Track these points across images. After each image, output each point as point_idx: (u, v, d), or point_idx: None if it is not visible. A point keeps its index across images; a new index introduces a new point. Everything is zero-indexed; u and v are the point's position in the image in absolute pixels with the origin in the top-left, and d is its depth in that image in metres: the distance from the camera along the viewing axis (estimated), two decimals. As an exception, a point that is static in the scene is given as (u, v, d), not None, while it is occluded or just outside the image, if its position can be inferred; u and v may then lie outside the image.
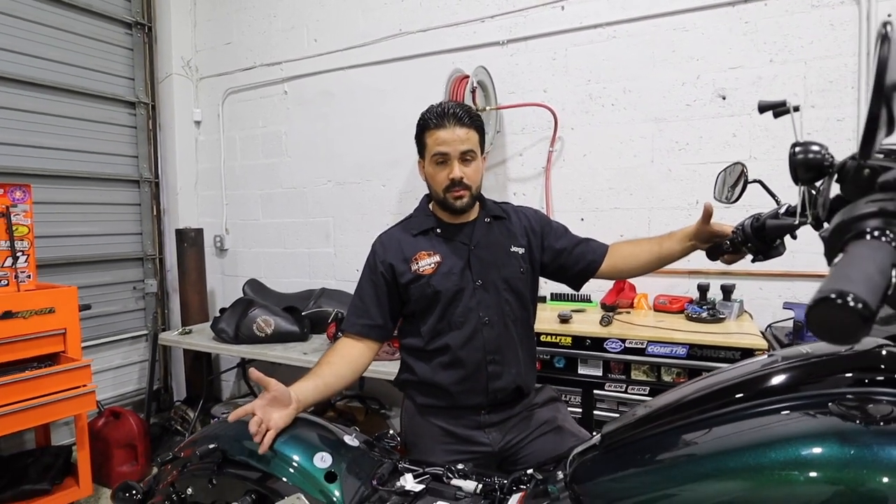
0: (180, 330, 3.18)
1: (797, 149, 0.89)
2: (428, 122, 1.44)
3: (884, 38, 0.56)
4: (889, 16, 2.13)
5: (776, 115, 1.02)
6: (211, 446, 1.14)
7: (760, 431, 0.76)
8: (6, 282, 2.35)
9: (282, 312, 2.86)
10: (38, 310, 2.32)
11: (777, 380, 0.83)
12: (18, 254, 2.37)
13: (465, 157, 1.43)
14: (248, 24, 3.62)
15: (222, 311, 2.97)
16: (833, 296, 0.48)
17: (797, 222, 1.00)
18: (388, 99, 3.12)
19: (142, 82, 3.72)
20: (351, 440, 1.19)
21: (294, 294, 3.26)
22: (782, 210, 1.15)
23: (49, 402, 2.22)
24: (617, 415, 2.04)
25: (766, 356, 0.93)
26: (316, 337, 2.86)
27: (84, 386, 2.34)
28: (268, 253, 3.66)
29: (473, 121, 1.43)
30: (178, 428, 3.22)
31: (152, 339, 3.39)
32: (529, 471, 1.06)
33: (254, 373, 1.21)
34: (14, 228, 2.36)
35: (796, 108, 0.99)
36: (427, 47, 3.00)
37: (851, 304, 0.47)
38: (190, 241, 3.44)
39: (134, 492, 1.25)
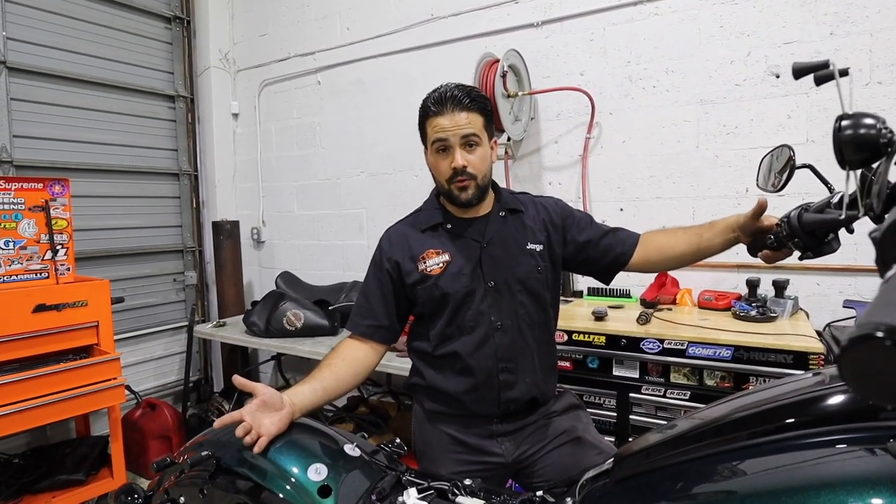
0: (215, 322, 3.21)
1: (844, 122, 0.72)
2: (427, 109, 1.34)
3: None
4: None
5: (818, 82, 0.83)
6: (203, 454, 1.09)
7: (806, 470, 0.64)
8: (46, 274, 2.39)
9: (312, 306, 2.84)
10: (71, 303, 2.35)
11: (832, 404, 0.69)
12: (58, 247, 2.42)
13: (469, 143, 1.31)
14: (283, 15, 3.60)
15: (254, 304, 2.97)
16: (880, 334, 0.33)
17: (843, 216, 0.83)
18: (420, 86, 3.00)
19: (181, 76, 3.77)
20: (351, 449, 1.11)
21: (326, 287, 3.24)
22: (835, 200, 0.99)
23: (79, 394, 2.24)
24: (660, 422, 1.90)
25: (810, 374, 0.79)
26: (346, 331, 2.83)
27: (114, 379, 2.37)
28: (303, 245, 3.66)
29: (476, 102, 1.32)
30: (215, 419, 3.25)
31: (189, 331, 3.43)
32: (539, 493, 0.97)
33: (237, 379, 1.16)
34: (53, 222, 2.40)
35: (843, 72, 0.80)
36: (459, 32, 2.89)
37: None
38: (226, 233, 3.47)
39: (136, 495, 1.21)
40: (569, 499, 0.93)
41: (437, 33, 2.96)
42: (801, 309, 2.13)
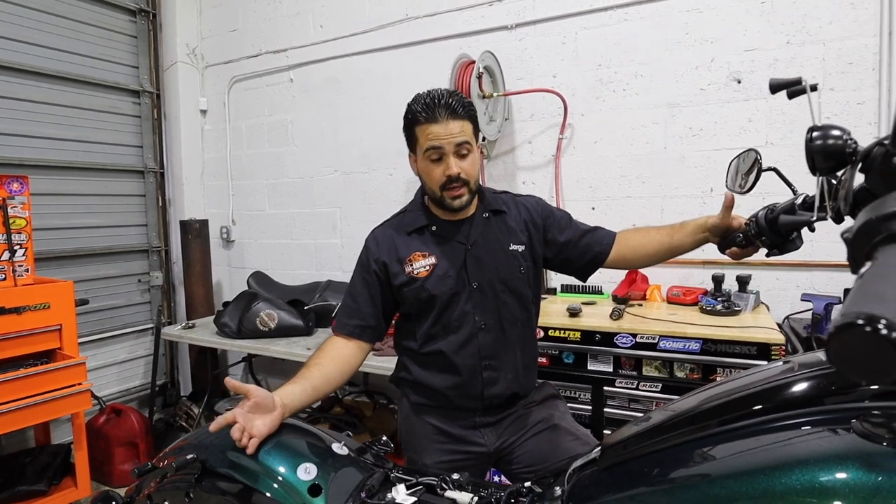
0: (183, 324, 3.15)
1: (815, 133, 0.80)
2: (417, 116, 1.34)
3: None
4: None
5: (790, 96, 0.92)
6: (189, 457, 1.07)
7: (777, 451, 0.68)
8: (3, 276, 2.29)
9: (286, 306, 2.82)
10: (32, 305, 2.26)
11: (797, 390, 0.74)
12: (16, 247, 2.33)
13: (461, 151, 1.34)
14: (254, 10, 3.56)
15: (225, 304, 2.93)
16: (861, 321, 0.37)
17: (814, 217, 0.91)
18: (395, 86, 3.05)
19: (146, 71, 3.68)
20: (339, 448, 1.11)
21: (300, 287, 3.22)
22: (799, 201, 1.07)
23: (42, 401, 2.17)
24: (633, 413, 1.97)
25: (780, 363, 0.86)
26: (321, 331, 2.82)
27: (79, 384, 2.29)
28: (275, 244, 3.62)
29: (467, 110, 1.35)
30: (183, 424, 3.20)
31: (156, 333, 3.35)
32: (528, 484, 1.00)
33: (229, 382, 1.14)
34: (11, 221, 2.31)
35: (814, 87, 0.88)
36: (434, 32, 2.92)
37: (884, 331, 0.36)
38: (194, 232, 3.40)
39: (114, 503, 1.19)
40: (557, 488, 0.96)
41: (413, 33, 2.98)
42: (762, 303, 2.24)
